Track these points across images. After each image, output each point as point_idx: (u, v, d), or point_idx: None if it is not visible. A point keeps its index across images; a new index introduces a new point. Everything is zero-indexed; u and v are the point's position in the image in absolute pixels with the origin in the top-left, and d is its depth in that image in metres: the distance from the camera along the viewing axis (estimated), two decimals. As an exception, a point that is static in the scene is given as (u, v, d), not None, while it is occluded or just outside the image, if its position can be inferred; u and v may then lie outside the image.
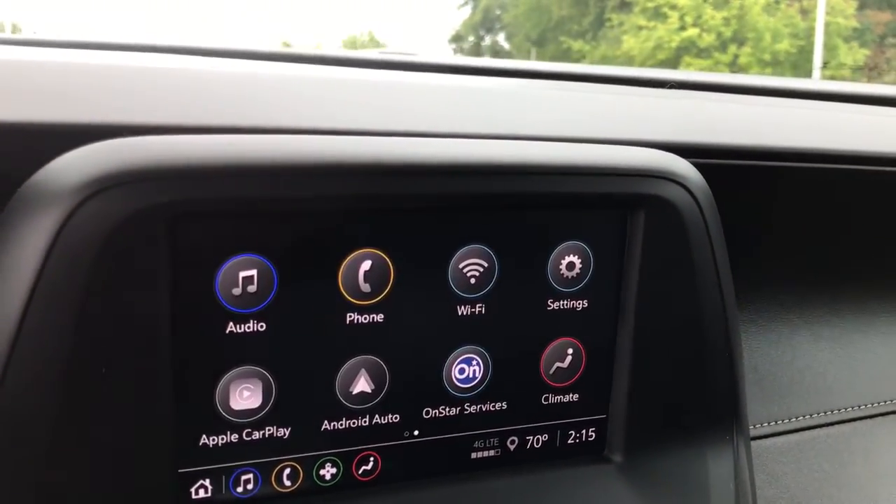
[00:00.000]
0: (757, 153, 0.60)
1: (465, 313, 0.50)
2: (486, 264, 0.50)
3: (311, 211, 0.45)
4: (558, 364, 0.53)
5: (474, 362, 0.51)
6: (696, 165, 0.55)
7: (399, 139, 0.48)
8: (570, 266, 0.52)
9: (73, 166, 0.41)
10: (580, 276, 0.53)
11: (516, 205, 0.50)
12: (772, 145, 0.61)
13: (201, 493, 0.46)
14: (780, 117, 0.69)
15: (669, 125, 0.61)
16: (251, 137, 0.45)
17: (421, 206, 0.47)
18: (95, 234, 0.40)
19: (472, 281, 0.50)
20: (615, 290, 0.54)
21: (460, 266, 0.49)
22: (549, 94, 0.68)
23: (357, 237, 0.47)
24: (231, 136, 0.45)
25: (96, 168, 0.41)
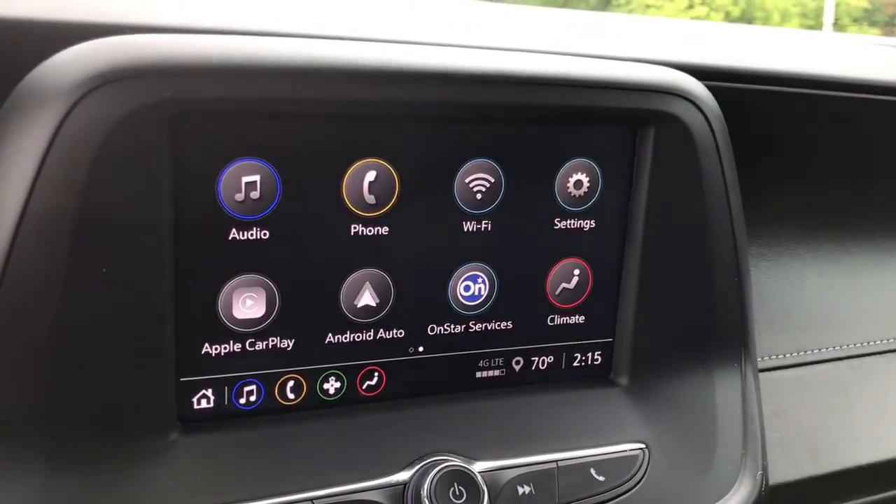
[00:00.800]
0: (770, 78, 0.59)
1: (470, 229, 0.49)
2: (492, 179, 0.49)
3: (315, 115, 0.44)
4: (564, 285, 0.53)
5: (480, 280, 0.51)
6: (709, 88, 0.54)
7: (406, 46, 0.47)
8: (578, 184, 0.51)
9: (73, 62, 0.40)
10: (588, 195, 0.52)
11: (524, 118, 0.49)
12: (785, 70, 0.59)
13: (203, 403, 0.46)
14: (795, 48, 0.68)
15: (684, 46, 0.60)
16: (254, 39, 0.44)
17: (427, 114, 0.47)
18: (95, 131, 0.39)
19: (479, 196, 0.49)
20: (623, 210, 0.53)
21: (466, 181, 0.49)
22: (561, 18, 0.67)
23: (361, 146, 0.46)
24: (234, 36, 0.44)
25: (97, 64, 0.40)
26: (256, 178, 0.44)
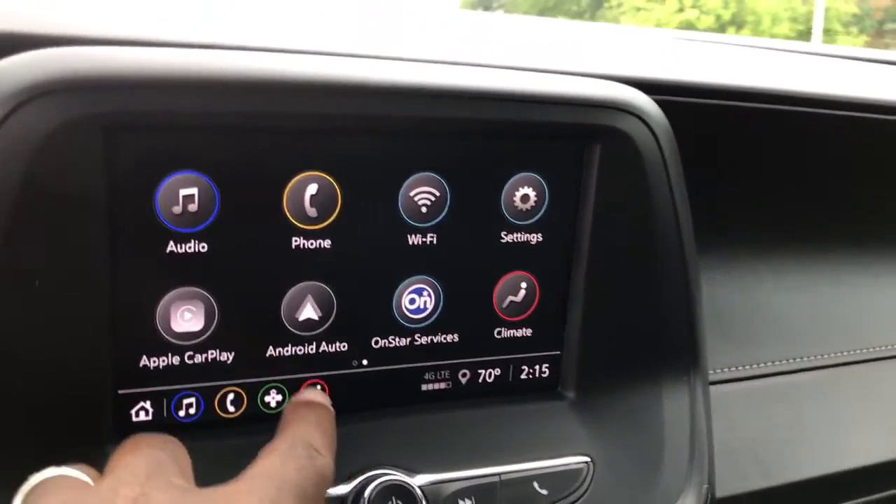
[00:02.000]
0: (720, 91, 0.59)
1: (415, 242, 0.49)
2: (438, 193, 0.49)
3: (254, 128, 0.44)
4: (511, 298, 0.53)
5: (425, 293, 0.51)
6: (657, 102, 0.54)
7: (348, 59, 0.47)
8: (525, 198, 0.51)
9: (5, 73, 0.40)
10: (535, 209, 0.52)
11: (469, 132, 0.49)
12: (735, 84, 0.60)
13: (142, 416, 0.46)
14: (751, 60, 0.68)
15: (632, 61, 0.60)
16: (191, 51, 0.44)
17: (368, 127, 0.46)
18: (27, 144, 0.39)
19: (424, 210, 0.49)
20: (570, 224, 0.53)
21: (411, 194, 0.49)
22: (510, 27, 0.67)
23: (302, 159, 0.46)
24: (170, 48, 0.44)
25: (29, 75, 0.40)
26: (194, 190, 0.44)
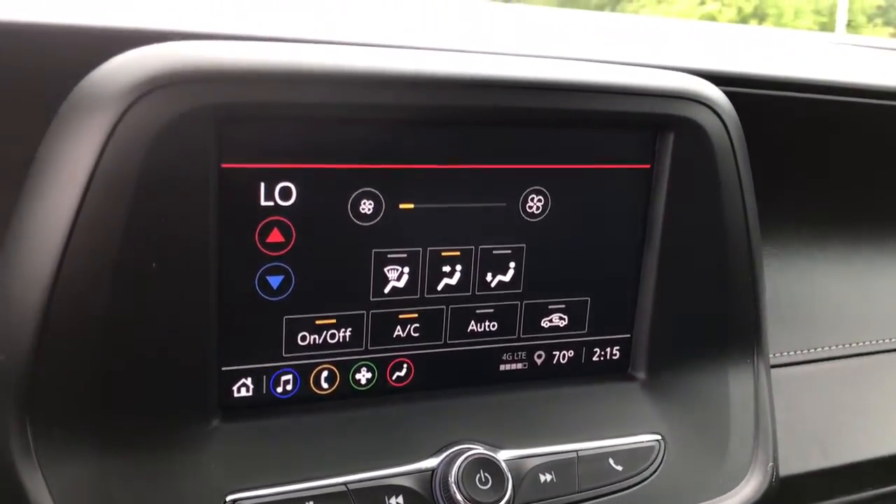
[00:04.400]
0: (785, 84, 0.61)
1: (511, 235, 0.52)
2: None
3: (354, 120, 0.46)
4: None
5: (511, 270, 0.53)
6: (726, 93, 0.56)
7: (443, 52, 0.50)
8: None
9: (125, 68, 0.43)
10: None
11: (557, 121, 0.51)
12: (799, 76, 0.61)
13: (243, 392, 0.48)
14: (810, 54, 0.69)
15: (702, 53, 0.62)
16: (295, 45, 0.46)
17: (466, 119, 0.49)
18: (146, 134, 0.42)
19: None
20: (643, 212, 0.55)
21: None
22: (570, 20, 0.69)
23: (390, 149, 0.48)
24: (274, 43, 0.46)
25: (147, 69, 0.42)
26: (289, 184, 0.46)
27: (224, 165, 0.45)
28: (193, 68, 0.42)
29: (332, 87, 0.44)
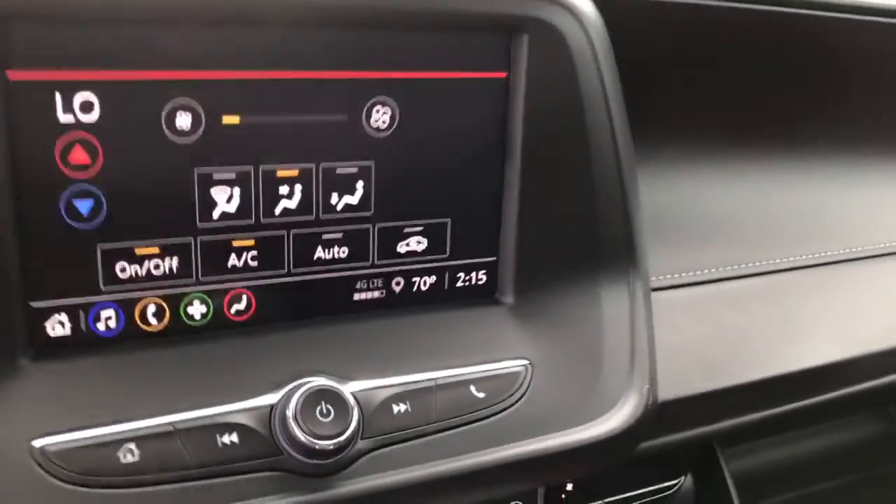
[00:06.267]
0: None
1: (356, 147, 0.48)
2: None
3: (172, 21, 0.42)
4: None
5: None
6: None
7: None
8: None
9: None
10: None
11: (399, 24, 0.47)
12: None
13: (58, 330, 0.44)
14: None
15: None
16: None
17: (301, 20, 0.44)
18: None
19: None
20: (500, 125, 0.51)
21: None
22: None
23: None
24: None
25: None
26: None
27: (11, 75, 0.40)
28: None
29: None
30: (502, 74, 0.50)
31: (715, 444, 0.74)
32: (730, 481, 0.73)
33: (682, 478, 0.71)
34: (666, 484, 0.70)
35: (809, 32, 0.66)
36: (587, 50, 0.51)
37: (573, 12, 0.50)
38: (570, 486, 0.62)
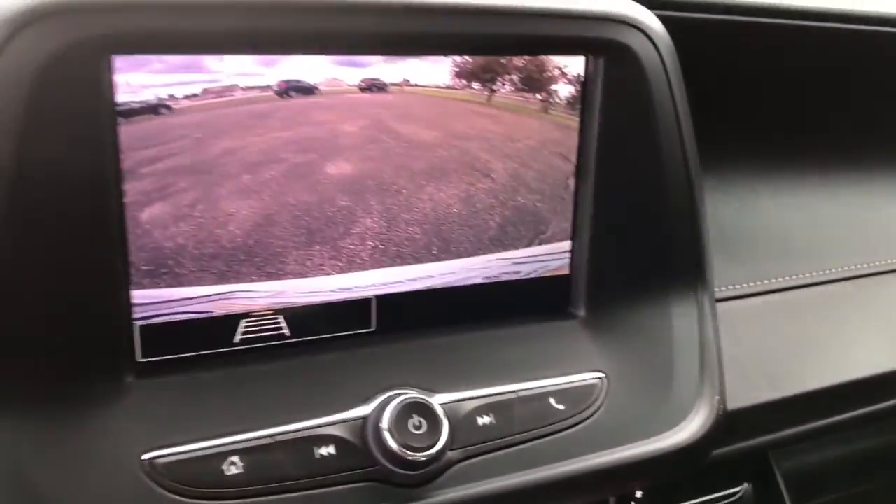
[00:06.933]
0: (724, 7, 0.59)
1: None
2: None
3: (256, 49, 0.43)
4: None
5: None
6: (659, 17, 0.54)
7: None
8: (530, 117, 0.51)
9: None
10: (540, 128, 0.52)
11: (479, 48, 0.48)
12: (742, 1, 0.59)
13: (160, 346, 0.46)
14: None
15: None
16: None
17: (376, 46, 0.46)
18: (29, 67, 0.38)
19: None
20: (576, 142, 0.53)
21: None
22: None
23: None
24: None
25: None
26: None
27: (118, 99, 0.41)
28: (76, -4, 0.39)
29: (225, 15, 0.41)
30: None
31: (769, 452, 0.75)
32: (783, 488, 0.74)
33: (746, 485, 0.72)
34: (730, 491, 0.71)
35: (864, 49, 0.67)
36: (659, 69, 0.52)
37: (646, 33, 0.52)
38: (639, 494, 0.63)
